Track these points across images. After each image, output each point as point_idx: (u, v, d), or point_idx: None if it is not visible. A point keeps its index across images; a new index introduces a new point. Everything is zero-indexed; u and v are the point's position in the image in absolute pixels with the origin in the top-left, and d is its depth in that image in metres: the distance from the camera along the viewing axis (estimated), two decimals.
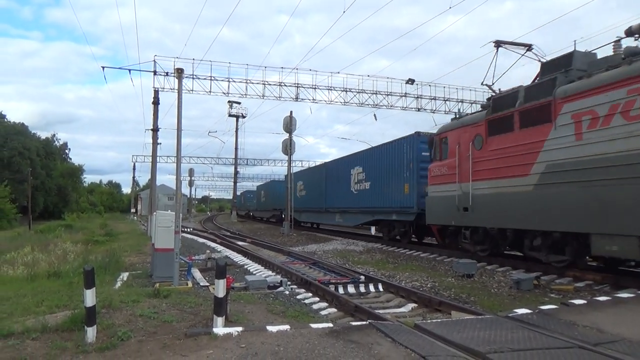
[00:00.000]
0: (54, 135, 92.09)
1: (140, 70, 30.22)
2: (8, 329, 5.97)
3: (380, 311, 8.55)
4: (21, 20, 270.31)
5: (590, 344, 5.45)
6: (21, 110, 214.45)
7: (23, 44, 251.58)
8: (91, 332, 5.67)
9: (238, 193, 70.03)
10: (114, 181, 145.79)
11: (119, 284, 11.06)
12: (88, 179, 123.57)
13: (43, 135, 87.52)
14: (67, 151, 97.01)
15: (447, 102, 35.54)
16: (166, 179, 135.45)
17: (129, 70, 29.78)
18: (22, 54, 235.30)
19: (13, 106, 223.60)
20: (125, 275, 12.36)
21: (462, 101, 35.71)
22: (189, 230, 34.53)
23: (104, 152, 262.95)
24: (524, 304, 8.72)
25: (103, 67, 29.67)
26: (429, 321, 7.11)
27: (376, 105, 34.46)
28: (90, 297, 5.66)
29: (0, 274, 13.29)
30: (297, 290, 10.74)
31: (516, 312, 7.18)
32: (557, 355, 5.08)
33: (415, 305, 9.37)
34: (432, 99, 35.19)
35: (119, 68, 42.02)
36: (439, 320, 7.45)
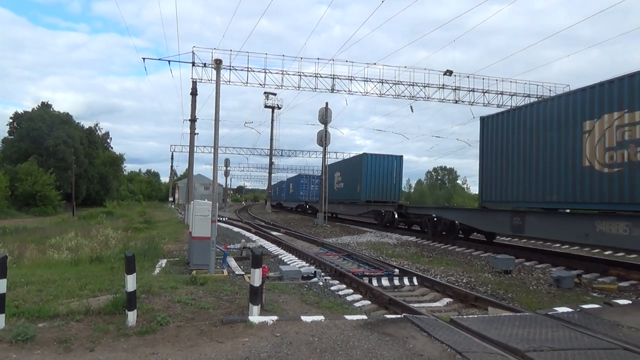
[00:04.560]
0: (97, 124, 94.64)
1: (179, 62, 30.77)
2: (54, 310, 6.24)
3: (415, 305, 8.46)
4: (70, 13, 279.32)
5: (636, 345, 5.25)
6: (68, 101, 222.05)
7: (71, 36, 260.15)
8: (132, 316, 5.85)
9: (272, 184, 70.79)
10: (152, 170, 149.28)
11: (157, 270, 11.35)
12: (128, 167, 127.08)
13: (87, 124, 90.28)
14: (108, 140, 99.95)
15: (485, 94, 34.74)
16: (203, 168, 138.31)
17: (169, 61, 30.35)
18: (70, 46, 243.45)
19: (60, 96, 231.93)
20: (163, 262, 12.68)
21: (501, 93, 34.85)
22: (224, 219, 35.06)
23: (144, 141, 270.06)
24: (565, 303, 8.47)
25: (144, 59, 30.58)
26: (465, 316, 7.02)
27: (413, 97, 33.92)
28: (131, 282, 5.83)
29: (47, 257, 13.88)
30: (330, 282, 10.77)
31: (556, 311, 7.00)
32: (600, 357, 4.92)
33: (451, 300, 9.24)
34: (470, 91, 34.46)
35: (159, 59, 43.23)
36: (476, 316, 7.34)
